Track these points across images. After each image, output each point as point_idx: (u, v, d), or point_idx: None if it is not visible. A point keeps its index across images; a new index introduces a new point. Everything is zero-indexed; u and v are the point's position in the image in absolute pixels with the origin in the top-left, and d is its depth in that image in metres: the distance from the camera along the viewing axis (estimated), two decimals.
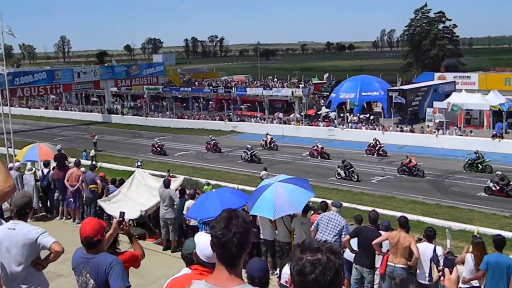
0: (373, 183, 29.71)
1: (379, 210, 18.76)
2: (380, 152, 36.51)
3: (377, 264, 9.23)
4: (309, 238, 9.70)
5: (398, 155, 35.74)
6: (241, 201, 10.77)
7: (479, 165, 30.85)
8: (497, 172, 27.35)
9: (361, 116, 47.87)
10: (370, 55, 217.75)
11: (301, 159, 36.68)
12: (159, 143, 40.66)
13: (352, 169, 30.40)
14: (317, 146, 36.86)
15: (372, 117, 47.49)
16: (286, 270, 5.59)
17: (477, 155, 31.16)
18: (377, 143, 36.97)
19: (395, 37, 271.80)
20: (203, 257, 3.63)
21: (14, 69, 63.38)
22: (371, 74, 62.00)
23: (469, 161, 31.38)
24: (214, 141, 40.46)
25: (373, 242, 8.76)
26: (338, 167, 31.04)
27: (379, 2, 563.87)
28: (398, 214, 15.70)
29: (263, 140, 40.82)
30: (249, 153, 35.90)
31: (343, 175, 30.30)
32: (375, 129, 43.63)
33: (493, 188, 26.19)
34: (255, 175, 29.34)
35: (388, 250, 8.97)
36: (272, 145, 40.11)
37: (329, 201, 11.83)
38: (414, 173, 30.41)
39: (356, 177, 30.06)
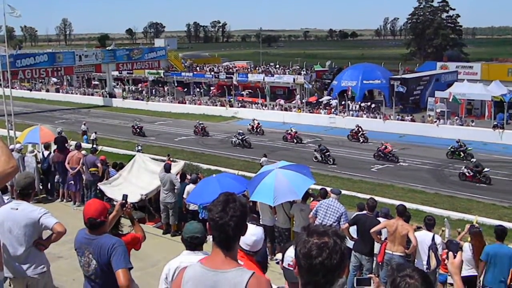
0: (373, 171, 29.75)
1: (378, 199, 18.88)
2: (362, 138, 37.34)
3: (376, 251, 9.30)
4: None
5: (399, 144, 35.74)
6: (241, 187, 10.82)
7: (461, 153, 31.89)
8: (472, 159, 28.72)
9: (363, 105, 47.79)
10: (373, 43, 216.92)
11: (301, 146, 36.67)
12: (138, 125, 42.33)
13: (328, 153, 31.68)
14: (291, 130, 38.26)
15: (373, 105, 47.41)
16: (290, 253, 5.59)
17: (459, 143, 32.25)
18: (360, 129, 37.81)
19: (398, 25, 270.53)
20: (243, 245, 3.70)
21: (16, 51, 62.97)
22: (373, 62, 61.87)
23: (452, 149, 32.44)
24: (202, 125, 41.43)
25: (371, 230, 8.81)
26: (315, 150, 32.27)
27: None
28: (397, 202, 15.77)
29: (250, 125, 41.78)
30: (240, 137, 36.60)
31: (320, 158, 31.40)
32: (376, 118, 43.59)
33: (467, 174, 27.30)
34: (255, 161, 29.39)
35: (386, 238, 9.03)
36: (258, 130, 41.14)
37: (328, 188, 11.85)
38: (389, 159, 31.56)
39: (332, 160, 31.22)
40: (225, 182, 11.27)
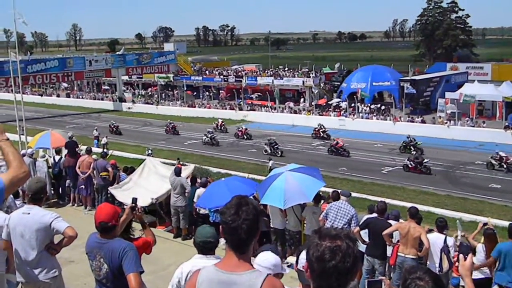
0: (384, 173, 29.62)
1: (389, 201, 18.82)
2: (324, 136, 39.32)
3: (388, 254, 9.23)
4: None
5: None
6: (250, 190, 10.79)
7: (411, 147, 33.75)
8: (413, 152, 31.63)
9: (372, 106, 47.62)
10: (382, 45, 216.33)
11: (311, 149, 36.61)
12: (115, 124, 45.13)
13: (277, 146, 34.68)
14: (242, 127, 41.70)
15: (383, 107, 47.24)
16: (304, 255, 5.60)
17: (410, 138, 34.48)
18: (322, 127, 40.15)
19: (407, 27, 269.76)
20: (266, 270, 3.70)
21: (28, 57, 63.40)
22: (383, 64, 61.61)
23: (404, 144, 34.48)
24: (172, 124, 44.40)
25: (383, 233, 8.75)
26: (265, 144, 35.30)
27: None
28: (409, 204, 15.65)
29: (214, 123, 44.68)
30: (209, 136, 39.14)
31: (269, 151, 34.17)
32: (386, 120, 43.43)
33: (410, 166, 29.33)
34: (265, 164, 29.34)
35: (398, 241, 8.96)
36: (222, 128, 43.96)
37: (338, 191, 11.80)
38: (341, 153, 33.66)
39: (280, 153, 34.06)
40: (234, 186, 11.27)
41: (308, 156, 34.01)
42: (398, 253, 8.81)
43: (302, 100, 54.25)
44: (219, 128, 44.11)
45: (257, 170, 27.94)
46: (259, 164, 31.07)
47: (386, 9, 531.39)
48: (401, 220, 9.94)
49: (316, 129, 40.39)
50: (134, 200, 5.30)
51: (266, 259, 3.96)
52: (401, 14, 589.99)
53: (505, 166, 28.61)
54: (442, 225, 8.95)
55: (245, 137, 40.69)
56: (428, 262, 8.77)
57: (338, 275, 2.23)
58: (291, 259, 10.20)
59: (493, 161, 29.13)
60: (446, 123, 40.25)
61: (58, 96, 71.42)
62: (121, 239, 4.54)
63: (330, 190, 14.50)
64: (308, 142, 38.30)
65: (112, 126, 44.64)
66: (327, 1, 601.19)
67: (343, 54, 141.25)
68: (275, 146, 34.46)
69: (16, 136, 26.50)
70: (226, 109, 53.94)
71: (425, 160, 29.25)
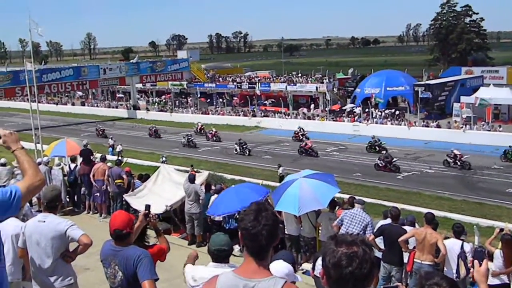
0: (399, 178, 29.43)
1: (404, 206, 18.71)
2: (303, 138, 40.53)
3: (405, 261, 9.14)
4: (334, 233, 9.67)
5: (424, 150, 35.51)
6: (257, 196, 10.68)
7: (376, 147, 36.04)
8: (383, 152, 33.63)
9: (386, 111, 47.39)
10: (395, 50, 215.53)
11: (325, 155, 36.50)
12: (101, 128, 48.40)
13: (246, 145, 37.63)
14: (212, 129, 44.27)
15: (397, 112, 47.00)
16: (320, 262, 5.57)
17: (374, 139, 36.80)
18: (301, 130, 42.00)
19: (421, 31, 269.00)
20: None
21: (43, 66, 64.04)
22: (397, 69, 61.34)
23: (369, 144, 36.72)
24: (154, 128, 47.50)
25: (400, 239, 8.66)
26: (235, 143, 38.06)
27: None
28: (424, 210, 15.53)
29: (195, 126, 47.39)
30: (186, 138, 41.76)
31: (239, 150, 37.30)
32: (400, 125, 43.21)
33: (380, 165, 30.99)
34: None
35: (414, 247, 8.87)
36: (201, 131, 46.19)
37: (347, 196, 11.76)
38: (310, 153, 35.84)
39: (247, 152, 37.15)
40: (242, 192, 11.34)
41: (322, 161, 33.88)
42: (415, 260, 8.72)
43: (312, 106, 54.14)
44: (199, 131, 46.40)
45: (271, 177, 27.92)
46: (273, 171, 31.03)
47: (400, 13, 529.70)
48: (417, 226, 9.85)
49: (296, 132, 42.13)
50: (147, 207, 5.31)
51: (278, 269, 3.94)
52: (415, 19, 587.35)
53: (458, 163, 30.69)
54: (459, 230, 8.85)
55: (215, 139, 43.30)
56: (445, 269, 8.67)
57: (355, 281, 2.20)
58: (306, 266, 10.16)
59: (448, 159, 31.27)
60: (462, 127, 39.95)
61: (73, 104, 72.06)
62: (136, 247, 4.54)
63: (345, 196, 14.46)
64: (323, 148, 38.18)
65: (99, 130, 47.73)
66: (340, 6, 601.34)
67: (356, 59, 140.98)
68: (244, 146, 37.54)
69: (32, 144, 26.77)
70: (239, 115, 54.01)
71: (394, 159, 31.11)
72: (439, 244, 8.42)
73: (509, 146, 32.32)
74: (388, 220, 9.56)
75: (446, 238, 9.59)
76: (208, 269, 4.41)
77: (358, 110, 47.44)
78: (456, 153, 31.11)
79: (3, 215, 3.06)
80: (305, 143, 37.18)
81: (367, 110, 45.83)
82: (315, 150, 36.14)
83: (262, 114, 53.09)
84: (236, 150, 37.71)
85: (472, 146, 34.58)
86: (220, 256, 4.41)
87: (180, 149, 40.75)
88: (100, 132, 47.32)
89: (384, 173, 30.40)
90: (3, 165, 14.68)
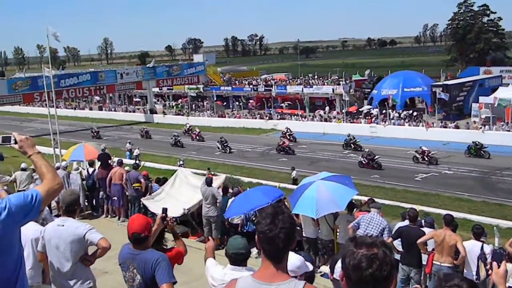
0: (417, 180, 29.20)
1: (423, 208, 18.54)
2: (291, 139, 42.44)
3: (424, 263, 9.06)
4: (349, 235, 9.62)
5: (443, 151, 35.16)
6: (267, 199, 10.66)
7: (352, 144, 38.22)
8: (365, 149, 34.59)
9: (404, 113, 47.06)
10: (412, 51, 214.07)
11: (342, 157, 36.36)
12: (96, 129, 51.13)
13: (227, 144, 40.10)
14: (196, 130, 46.61)
15: (415, 113, 46.65)
16: (340, 264, 5.55)
17: (350, 137, 38.82)
18: (289, 130, 43.74)
19: (438, 31, 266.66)
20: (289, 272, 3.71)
21: (61, 71, 64.69)
22: (414, 70, 60.92)
23: (345, 142, 38.85)
24: (145, 129, 50.12)
25: (418, 241, 8.59)
26: (217, 142, 40.80)
27: None
28: (443, 212, 15.37)
29: (184, 127, 49.52)
30: (173, 138, 44.13)
31: (220, 148, 40.03)
32: (418, 126, 42.89)
33: (363, 162, 32.40)
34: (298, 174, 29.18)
35: (433, 249, 8.79)
36: (190, 132, 47.93)
37: (365, 198, 11.68)
38: (287, 152, 37.94)
39: (229, 149, 39.56)
40: (252, 195, 11.42)
41: (339, 164, 33.76)
42: (434, 262, 8.65)
43: (327, 108, 53.91)
44: (187, 132, 48.55)
45: (288, 179, 27.87)
46: (289, 173, 30.96)
47: (416, 14, 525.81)
48: (436, 228, 9.76)
49: (283, 133, 43.61)
50: (165, 210, 5.32)
51: (290, 262, 3.93)
52: (432, 19, 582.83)
53: (426, 159, 32.57)
54: (478, 232, 8.76)
55: (198, 138, 45.87)
56: (465, 270, 8.59)
57: (375, 283, 2.19)
58: (324, 269, 10.11)
59: (417, 155, 33.20)
60: (481, 128, 39.50)
61: (90, 109, 72.67)
62: (154, 250, 4.55)
63: (362, 198, 14.37)
64: (339, 150, 38.09)
65: (94, 131, 50.72)
66: (356, 8, 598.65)
67: (373, 60, 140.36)
68: (225, 144, 40.02)
69: (51, 149, 27.03)
70: (256, 118, 54.03)
71: (376, 157, 32.47)
72: (459, 246, 8.34)
73: (472, 142, 34.59)
74: (406, 222, 9.50)
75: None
76: (226, 271, 4.42)
77: (375, 111, 47.21)
78: (424, 149, 33.09)
79: (24, 218, 3.09)
80: (283, 141, 39.33)
81: (384, 111, 45.57)
82: (292, 149, 38.43)
83: (279, 116, 53.05)
84: (218, 148, 40.22)
85: (490, 146, 34.13)
86: (238, 260, 4.41)
87: (168, 149, 42.25)
88: (95, 133, 50.33)
89: (402, 174, 30.21)
90: (24, 170, 14.85)
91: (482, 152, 33.82)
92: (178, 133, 46.22)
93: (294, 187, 18.04)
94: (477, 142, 34.39)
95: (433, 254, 8.68)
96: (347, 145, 38.72)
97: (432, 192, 26.31)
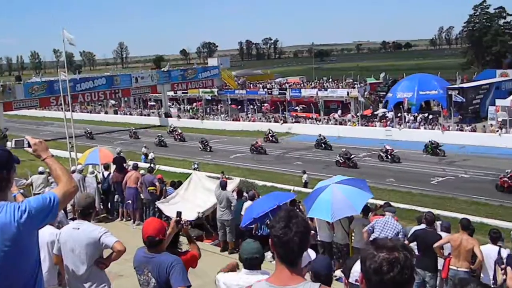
0: (433, 184, 28.97)
1: (439, 212, 18.36)
2: (273, 140, 44.95)
3: (439, 267, 8.97)
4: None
5: (459, 155, 34.87)
6: (273, 202, 10.70)
7: (322, 144, 40.61)
8: (342, 149, 35.24)
9: (420, 116, 46.74)
10: (428, 53, 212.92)
11: (357, 160, 36.23)
12: (89, 131, 53.63)
13: (207, 143, 43.01)
14: (178, 131, 50.11)
15: (431, 116, 46.31)
16: (357, 268, 5.51)
17: (320, 137, 41.25)
18: (270, 131, 45.76)
19: (453, 34, 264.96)
20: None
21: (76, 75, 65.23)
22: (429, 73, 60.52)
23: (316, 142, 40.98)
24: (133, 130, 53.04)
25: (435, 245, 8.51)
26: (198, 142, 43.59)
27: None
28: (460, 216, 15.24)
29: (169, 128, 52.60)
30: (158, 138, 46.90)
31: (202, 147, 42.71)
32: (434, 129, 42.58)
33: (340, 161, 33.96)
34: (312, 177, 29.11)
35: (449, 254, 8.70)
36: (173, 133, 50.56)
37: (382, 202, 11.60)
38: (260, 151, 40.02)
39: (209, 148, 42.46)
40: (261, 201, 11.56)
41: (354, 168, 33.60)
42: (450, 266, 8.56)
43: (340, 112, 53.67)
44: (171, 132, 51.10)
45: (302, 183, 27.79)
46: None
47: (432, 17, 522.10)
48: (452, 232, 9.67)
49: (266, 134, 45.68)
50: (179, 214, 5.33)
51: None
52: (447, 22, 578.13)
53: (389, 157, 34.47)
54: (496, 236, 8.64)
55: (180, 138, 49.04)
56: (481, 275, 8.48)
57: (396, 287, 2.17)
58: (339, 273, 10.05)
59: (381, 153, 35.12)
60: (498, 131, 39.11)
61: (106, 113, 73.17)
62: (168, 254, 4.56)
63: (378, 201, 14.28)
64: (355, 154, 37.88)
65: (87, 133, 52.98)
66: (370, 11, 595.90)
67: (388, 63, 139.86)
68: (205, 144, 42.97)
69: (67, 152, 27.23)
70: (270, 121, 54.00)
71: (352, 156, 34.16)
72: (476, 250, 8.25)
73: (429, 141, 36.78)
74: (422, 226, 9.42)
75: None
76: (241, 276, 4.40)
77: (390, 114, 46.95)
78: (388, 148, 35.15)
79: (43, 221, 3.10)
80: (256, 141, 41.33)
81: (399, 114, 45.32)
82: (264, 148, 40.60)
83: (293, 120, 52.95)
84: (200, 147, 42.76)
85: (508, 150, 33.75)
86: (252, 264, 4.40)
87: (153, 148, 43.58)
88: (88, 135, 52.94)
89: (418, 178, 30.00)
90: (41, 173, 14.97)
91: (438, 150, 36.19)
92: (162, 133, 49.07)
93: (309, 190, 17.99)
94: (433, 141, 36.77)
95: (450, 259, 8.60)
96: (319, 145, 41.02)
97: (448, 196, 26.10)
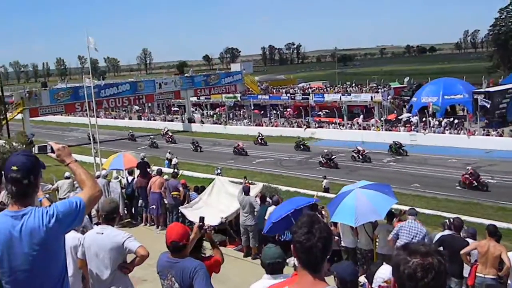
0: (458, 189, 28.56)
1: (465, 218, 18.06)
2: (262, 143, 47.27)
3: (465, 274, 8.82)
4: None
5: (485, 160, 34.33)
6: (290, 206, 10.69)
7: (301, 145, 43.19)
8: (324, 150, 38.43)
9: (445, 120, 46.17)
10: (453, 57, 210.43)
11: (382, 165, 35.90)
12: (89, 133, 55.78)
13: (197, 144, 46.32)
14: (169, 133, 53.83)
15: (456, 121, 45.70)
16: (380, 274, 5.46)
17: (299, 139, 44.42)
18: (260, 135, 48.30)
19: (479, 37, 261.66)
20: None
21: (101, 82, 65.95)
22: (454, 77, 59.77)
23: (296, 143, 43.71)
24: (131, 132, 55.89)
25: (462, 252, 8.38)
26: (190, 143, 46.98)
27: (461, 2, 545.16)
28: (486, 222, 14.99)
29: (162, 131, 55.14)
30: (150, 140, 50.12)
31: (193, 148, 46.00)
32: (459, 134, 42.04)
33: (323, 162, 36.17)
34: (335, 182, 28.93)
35: (476, 261, 8.54)
36: (166, 135, 53.79)
37: (406, 208, 11.45)
38: (242, 153, 42.57)
39: (199, 149, 45.80)
40: (281, 206, 11.49)
41: (378, 173, 33.33)
42: (477, 274, 8.40)
43: (362, 117, 53.16)
44: (164, 135, 53.83)
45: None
46: (332, 182, 30.74)
47: (457, 20, 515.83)
48: (478, 239, 9.49)
49: (257, 137, 47.84)
50: (202, 219, 5.33)
51: None
52: (473, 25, 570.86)
53: (361, 157, 36.90)
54: None
55: (171, 140, 52.07)
56: (509, 282, 8.31)
57: None
58: (363, 279, 9.95)
59: (354, 154, 37.52)
60: None
61: (130, 118, 73.82)
62: (192, 259, 4.56)
63: (402, 207, 14.11)
64: (379, 159, 37.64)
65: (89, 136, 55.27)
66: (394, 15, 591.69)
67: (412, 68, 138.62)
68: (196, 144, 46.07)
69: (91, 158, 27.52)
70: (293, 127, 53.91)
71: (333, 156, 36.32)
72: (503, 257, 8.09)
73: (393, 141, 39.51)
74: (447, 232, 9.27)
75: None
76: (263, 281, 4.38)
77: (415, 119, 46.49)
78: (359, 149, 37.66)
79: (70, 225, 3.15)
80: (238, 144, 43.97)
81: (424, 119, 44.83)
82: (245, 150, 42.92)
83: (316, 125, 52.79)
84: (192, 148, 45.80)
85: None
86: (275, 269, 4.39)
87: (147, 149, 45.38)
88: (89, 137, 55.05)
89: (443, 183, 29.62)
90: (67, 178, 15.15)
91: (401, 150, 38.75)
92: (153, 135, 52.99)
93: (332, 196, 17.87)
94: (396, 142, 39.50)
95: (476, 266, 8.44)
96: (297, 146, 43.64)
97: (474, 201, 25.71)
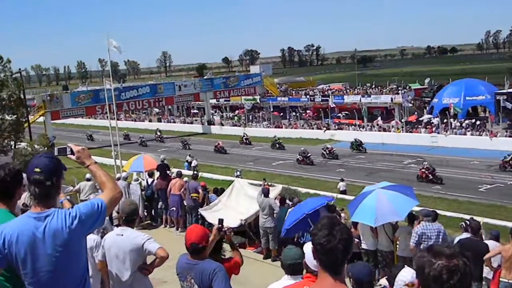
0: (481, 191, 28.21)
1: (488, 220, 17.84)
2: (247, 143, 49.58)
3: (489, 276, 8.68)
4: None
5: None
6: (301, 212, 10.78)
7: (277, 144, 46.07)
8: (301, 148, 39.97)
9: (466, 122, 45.60)
10: (474, 58, 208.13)
11: (402, 167, 35.61)
12: (89, 133, 59.63)
13: (186, 143, 49.39)
14: (158, 133, 57.15)
15: (478, 122, 45.11)
16: (402, 277, 5.40)
17: (275, 138, 46.98)
18: (245, 135, 50.82)
19: (501, 38, 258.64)
20: (312, 267, 3.64)
21: (121, 84, 66.47)
22: (476, 78, 59.01)
23: (272, 142, 46.32)
24: (126, 133, 57.64)
25: (485, 257, 8.21)
26: (180, 142, 49.95)
27: (482, 2, 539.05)
28: (510, 224, 14.76)
29: (155, 133, 58.00)
30: (140, 140, 53.36)
31: (182, 146, 48.78)
32: (481, 135, 41.51)
33: (299, 159, 38.64)
34: (354, 184, 28.79)
35: (499, 265, 8.39)
36: (159, 137, 56.65)
37: (438, 211, 11.28)
38: (221, 151, 45.67)
39: (188, 147, 48.66)
40: (291, 213, 11.51)
41: (396, 174, 33.05)
42: (501, 279, 8.24)
43: (379, 118, 52.74)
44: (158, 138, 56.66)
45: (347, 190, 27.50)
46: (350, 184, 30.58)
47: (478, 21, 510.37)
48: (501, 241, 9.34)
49: (241, 137, 50.01)
50: (221, 221, 5.33)
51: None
52: (494, 25, 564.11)
53: (330, 154, 39.69)
54: None
55: (159, 140, 55.69)
56: None
57: None
58: (384, 281, 9.85)
59: (323, 151, 40.20)
60: None
61: (150, 121, 74.27)
62: (211, 260, 4.56)
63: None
64: (399, 160, 37.35)
65: (88, 136, 60.34)
66: (414, 15, 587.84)
67: (433, 69, 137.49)
68: (185, 144, 49.05)
69: (112, 160, 27.74)
70: (313, 128, 53.73)
71: (309, 154, 38.54)
72: None
73: (354, 139, 43.01)
74: (465, 235, 9.14)
75: None
76: (282, 282, 4.37)
77: (435, 120, 46.01)
78: (328, 147, 40.82)
79: (92, 227, 3.17)
80: (218, 143, 46.75)
81: (445, 120, 44.37)
82: (224, 149, 45.63)
83: (336, 126, 52.56)
84: (181, 147, 48.86)
85: None
86: (295, 269, 4.38)
87: (136, 148, 47.30)
88: (89, 137, 59.55)
89: (465, 185, 29.31)
90: (88, 180, 15.29)
91: (360, 148, 41.83)
92: (143, 135, 56.45)
93: (350, 197, 17.80)
94: (357, 139, 42.77)
95: (500, 270, 8.29)
96: (273, 145, 46.32)
97: (497, 204, 25.37)
